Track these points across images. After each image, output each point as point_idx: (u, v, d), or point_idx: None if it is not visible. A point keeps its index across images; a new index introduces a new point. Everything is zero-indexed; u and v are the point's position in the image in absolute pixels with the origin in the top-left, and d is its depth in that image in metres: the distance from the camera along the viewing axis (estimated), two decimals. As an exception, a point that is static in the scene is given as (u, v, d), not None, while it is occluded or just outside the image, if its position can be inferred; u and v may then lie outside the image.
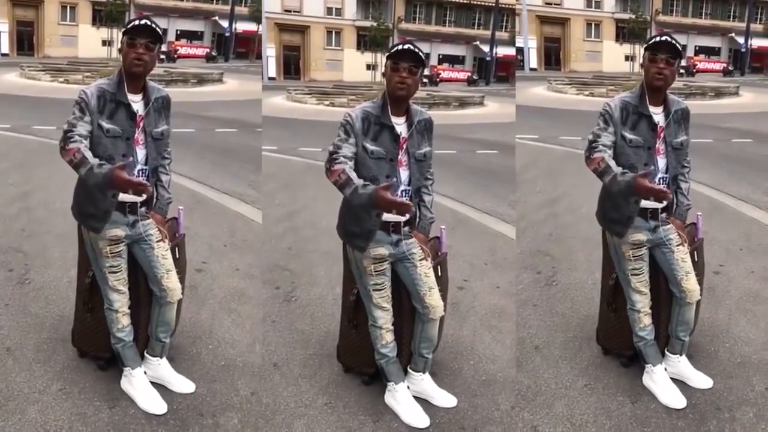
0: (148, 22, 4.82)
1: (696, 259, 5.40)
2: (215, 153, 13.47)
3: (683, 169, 5.23)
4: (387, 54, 4.85)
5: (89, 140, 4.69)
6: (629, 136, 4.98)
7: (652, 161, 5.02)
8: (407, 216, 4.83)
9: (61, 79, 29.05)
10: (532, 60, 42.48)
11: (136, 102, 4.87)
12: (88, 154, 4.51)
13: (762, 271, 7.44)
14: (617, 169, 4.72)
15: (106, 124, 4.74)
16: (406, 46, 4.79)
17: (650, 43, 5.00)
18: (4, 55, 39.39)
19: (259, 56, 39.19)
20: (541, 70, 41.28)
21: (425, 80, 32.89)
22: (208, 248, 7.79)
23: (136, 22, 4.83)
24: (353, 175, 4.61)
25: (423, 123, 4.99)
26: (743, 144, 16.23)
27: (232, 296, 6.71)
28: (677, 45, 4.96)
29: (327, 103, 28.57)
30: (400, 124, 4.89)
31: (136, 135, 4.85)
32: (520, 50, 41.70)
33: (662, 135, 5.05)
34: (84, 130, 4.67)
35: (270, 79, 39.61)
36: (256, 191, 10.22)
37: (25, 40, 40.89)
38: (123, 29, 4.89)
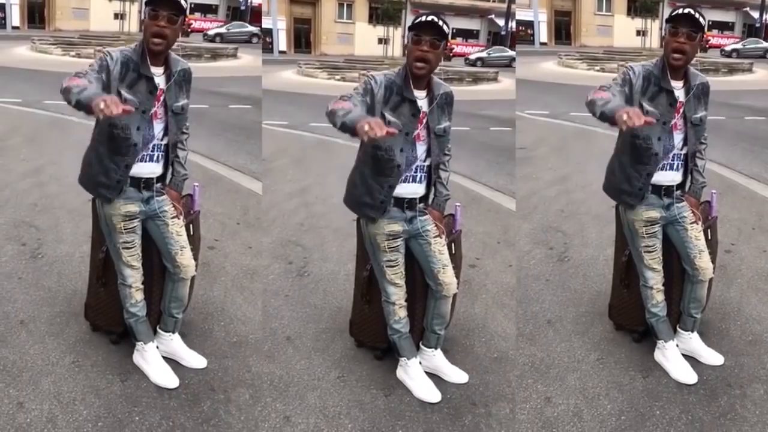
0: None
1: (709, 237, 5.40)
2: (229, 130, 13.41)
3: (700, 146, 5.16)
4: (409, 27, 4.73)
5: None
6: (646, 107, 4.86)
7: (667, 137, 4.97)
8: (395, 133, 4.35)
9: (73, 53, 29.16)
10: (543, 34, 42.29)
11: (158, 75, 4.77)
12: (94, 87, 4.35)
13: (774, 249, 7.44)
14: (615, 99, 4.60)
15: (125, 93, 4.63)
16: (428, 18, 4.66)
17: (671, 15, 4.88)
18: (15, 28, 39.38)
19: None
20: (551, 45, 41.11)
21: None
22: (221, 226, 7.80)
23: None
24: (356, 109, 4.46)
25: (444, 96, 4.90)
26: (756, 122, 16.17)
27: (244, 274, 6.73)
28: (700, 18, 4.82)
29: (338, 77, 28.57)
30: (421, 99, 4.82)
31: (155, 109, 4.78)
32: (529, 24, 41.51)
33: (681, 110, 4.98)
34: (97, 83, 4.51)
35: (280, 52, 39.53)
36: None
37: (37, 13, 40.85)
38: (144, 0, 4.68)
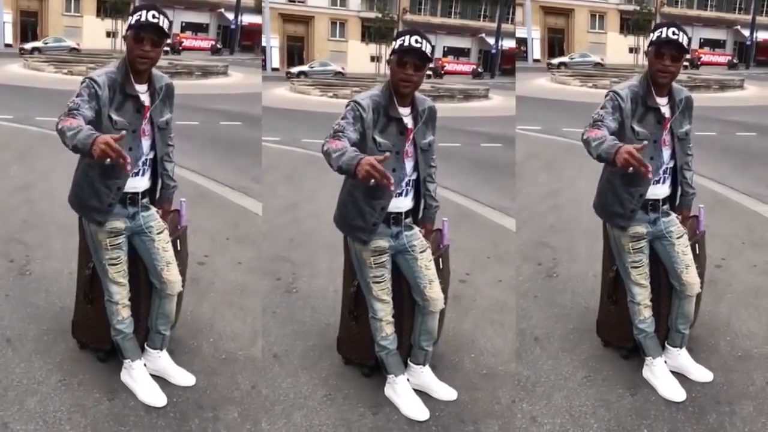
0: (155, 14, 4.63)
1: (697, 252, 5.39)
2: (219, 146, 13.47)
3: (687, 157, 5.17)
4: (393, 48, 4.73)
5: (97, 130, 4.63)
6: (637, 128, 4.88)
7: (657, 154, 4.98)
8: (391, 189, 4.54)
9: (65, 71, 29.13)
10: (536, 51, 42.40)
11: (143, 93, 4.79)
12: (85, 127, 4.26)
13: (764, 265, 7.42)
14: (610, 137, 4.54)
15: (114, 116, 4.64)
16: (413, 43, 4.65)
17: (656, 38, 4.84)
18: (7, 45, 39.35)
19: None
20: (544, 62, 41.23)
21: (429, 72, 32.93)
22: (211, 241, 7.77)
23: (143, 18, 4.63)
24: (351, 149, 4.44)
25: (427, 111, 4.92)
26: (747, 137, 16.22)
27: (233, 290, 6.70)
28: (684, 42, 4.82)
29: (330, 94, 28.59)
30: (406, 115, 4.84)
31: (142, 126, 4.79)
32: (522, 41, 41.62)
33: (668, 126, 5.00)
34: (89, 114, 4.50)
35: (273, 70, 39.54)
36: (260, 184, 10.22)
37: (29, 31, 40.84)
38: (129, 23, 4.67)
